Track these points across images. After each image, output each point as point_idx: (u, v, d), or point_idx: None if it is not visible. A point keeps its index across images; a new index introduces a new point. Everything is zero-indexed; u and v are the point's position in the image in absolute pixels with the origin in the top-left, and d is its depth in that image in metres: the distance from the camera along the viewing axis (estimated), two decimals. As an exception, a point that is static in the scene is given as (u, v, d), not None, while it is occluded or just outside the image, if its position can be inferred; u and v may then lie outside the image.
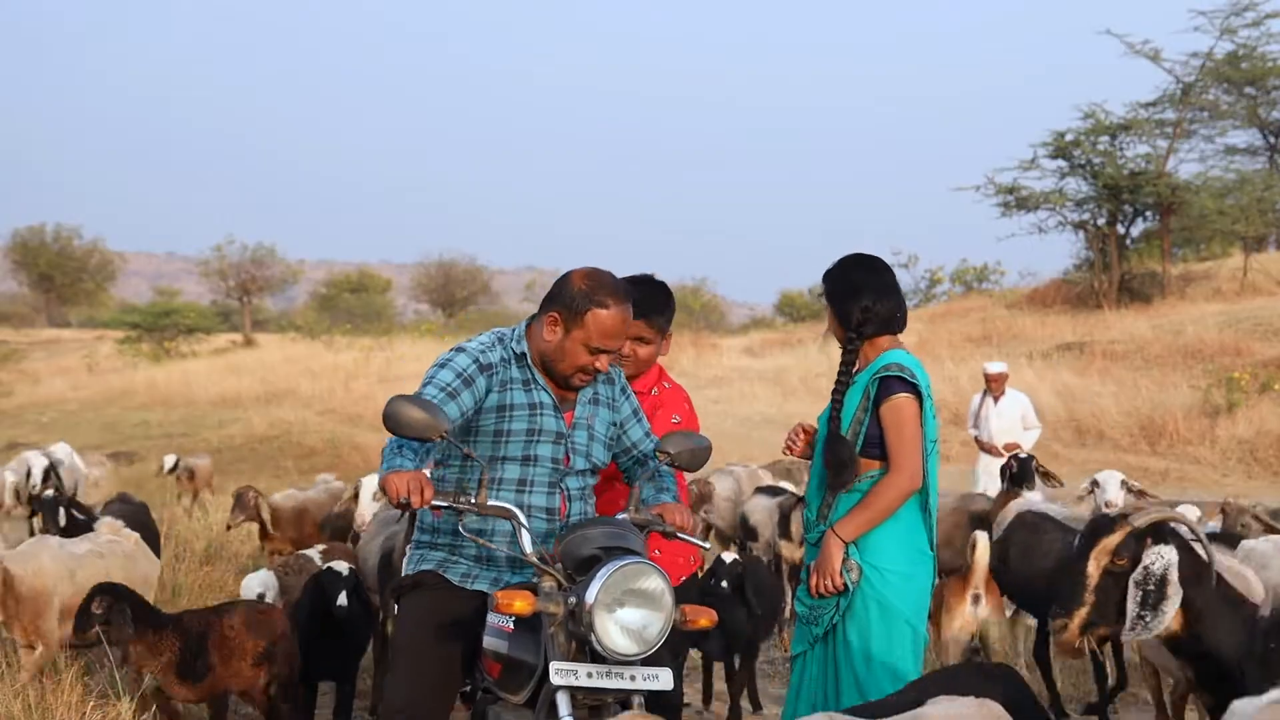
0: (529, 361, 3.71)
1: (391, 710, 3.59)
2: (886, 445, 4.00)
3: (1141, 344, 22.34)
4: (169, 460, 15.32)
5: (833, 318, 4.21)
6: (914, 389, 4.02)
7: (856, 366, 4.16)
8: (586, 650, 3.22)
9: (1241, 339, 21.50)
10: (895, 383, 4.01)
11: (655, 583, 3.25)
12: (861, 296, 4.12)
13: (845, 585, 3.98)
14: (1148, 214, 29.69)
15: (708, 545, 3.96)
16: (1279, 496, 14.33)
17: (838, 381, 4.12)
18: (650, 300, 4.26)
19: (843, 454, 4.01)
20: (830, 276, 4.22)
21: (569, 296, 3.64)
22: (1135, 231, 30.80)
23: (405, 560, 3.84)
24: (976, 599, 6.32)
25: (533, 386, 3.70)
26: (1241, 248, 29.95)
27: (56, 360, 38.22)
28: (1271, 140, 33.04)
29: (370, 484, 8.04)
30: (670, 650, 3.86)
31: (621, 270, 4.44)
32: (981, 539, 6.49)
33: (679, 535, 3.67)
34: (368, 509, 7.93)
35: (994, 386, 11.27)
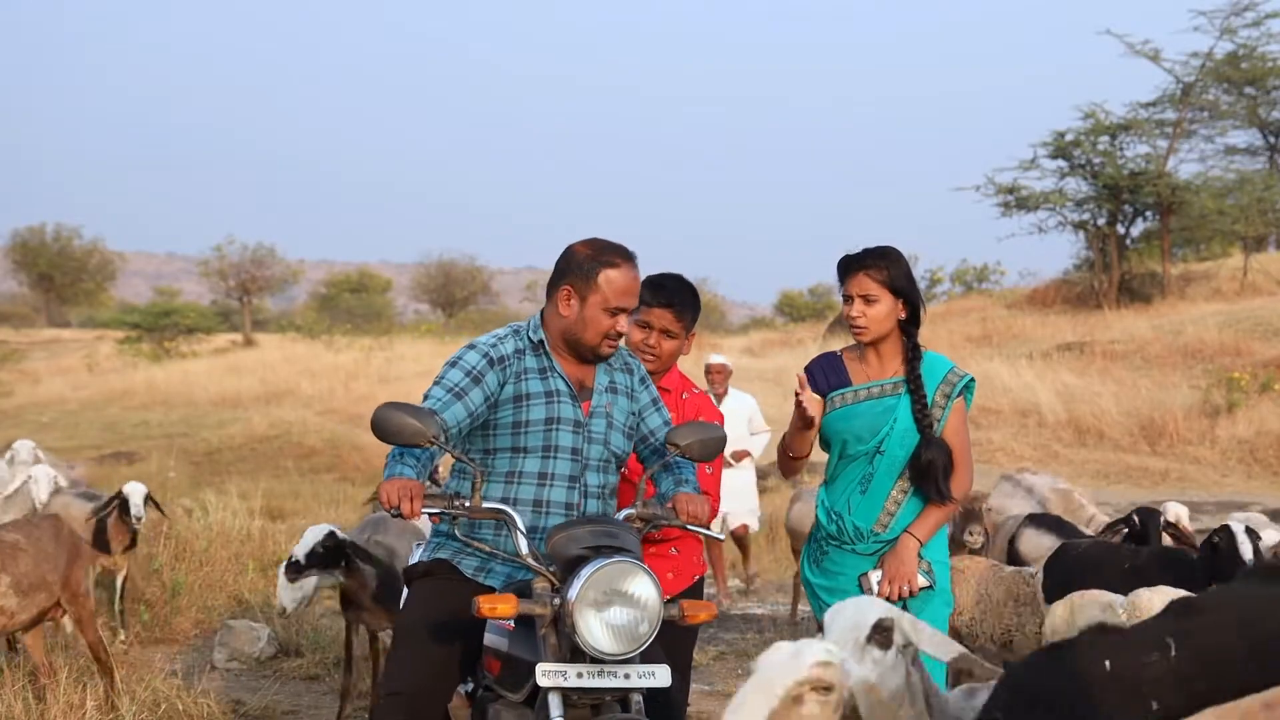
0: (547, 349, 3.70)
1: (388, 692, 3.57)
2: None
3: (1141, 344, 22.32)
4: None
5: (895, 307, 3.96)
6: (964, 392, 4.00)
7: (885, 370, 4.05)
8: (583, 650, 3.19)
9: (1241, 339, 21.47)
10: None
11: (640, 581, 3.20)
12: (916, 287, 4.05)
13: (926, 586, 3.92)
14: (1148, 214, 29.72)
15: (722, 536, 3.89)
16: (1279, 497, 14.33)
17: (913, 378, 3.96)
18: (680, 293, 4.20)
19: (946, 458, 3.91)
20: (894, 260, 3.95)
21: (576, 265, 3.66)
22: (1135, 231, 30.85)
23: (419, 546, 3.82)
24: None
25: (550, 374, 3.68)
26: (1241, 248, 29.98)
27: (56, 360, 38.19)
28: (1271, 140, 33.03)
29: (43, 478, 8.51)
30: (679, 647, 3.85)
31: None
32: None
33: (689, 527, 3.61)
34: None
35: (715, 381, 9.50)
